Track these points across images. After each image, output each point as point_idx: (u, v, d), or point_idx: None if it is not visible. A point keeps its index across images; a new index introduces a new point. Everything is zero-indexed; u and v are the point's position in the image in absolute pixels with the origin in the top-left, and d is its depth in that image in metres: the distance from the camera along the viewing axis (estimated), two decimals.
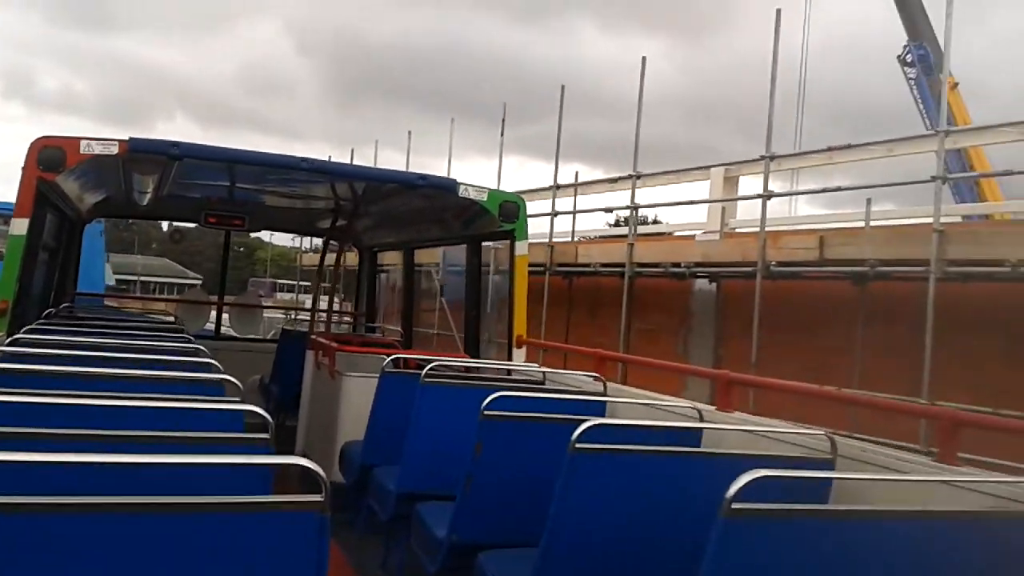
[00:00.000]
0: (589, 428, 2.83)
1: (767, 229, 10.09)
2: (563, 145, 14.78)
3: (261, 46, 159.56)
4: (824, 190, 11.19)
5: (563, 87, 14.52)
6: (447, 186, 5.97)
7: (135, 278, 46.53)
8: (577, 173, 14.93)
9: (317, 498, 2.00)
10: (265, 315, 16.29)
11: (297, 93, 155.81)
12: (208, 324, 10.77)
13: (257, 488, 2.23)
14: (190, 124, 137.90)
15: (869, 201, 9.20)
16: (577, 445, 2.80)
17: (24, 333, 4.74)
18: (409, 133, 19.65)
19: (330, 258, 10.00)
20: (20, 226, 5.53)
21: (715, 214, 12.60)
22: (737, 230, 12.53)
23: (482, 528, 3.51)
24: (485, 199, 6.04)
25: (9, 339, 4.63)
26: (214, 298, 11.45)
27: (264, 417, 2.73)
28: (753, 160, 11.71)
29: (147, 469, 2.12)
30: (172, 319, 7.91)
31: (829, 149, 11.08)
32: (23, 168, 5.47)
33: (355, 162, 19.28)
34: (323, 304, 9.60)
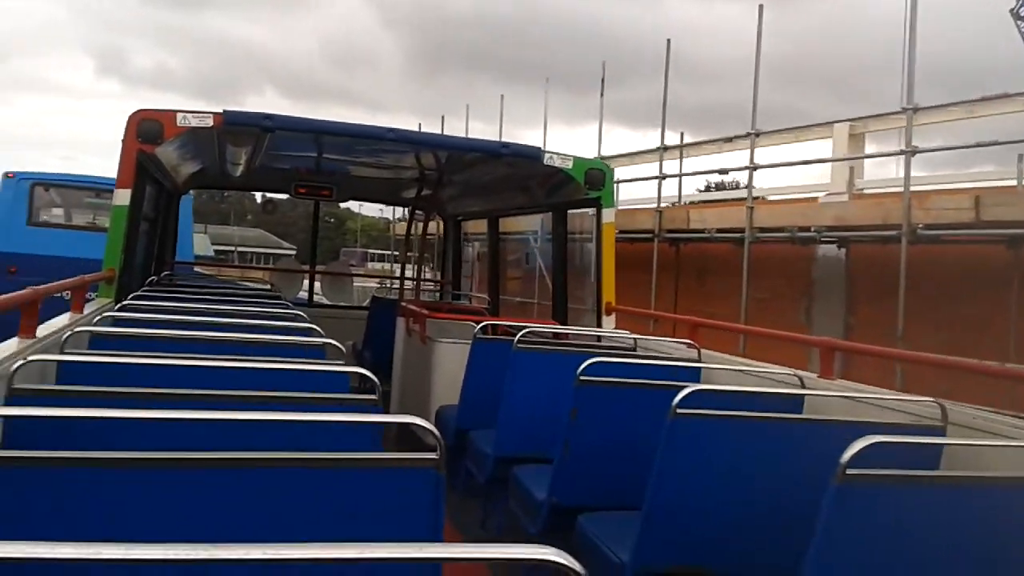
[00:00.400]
0: (690, 393, 2.84)
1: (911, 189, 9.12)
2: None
3: (344, 19, 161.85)
4: (979, 144, 9.88)
5: (668, 41, 13.57)
6: (531, 154, 5.96)
7: (232, 248, 48.33)
8: (683, 134, 14.08)
9: (432, 455, 2.03)
10: (356, 283, 16.66)
11: (381, 65, 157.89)
12: (301, 293, 11.13)
13: (367, 447, 2.29)
14: (279, 98, 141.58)
15: (1021, 157, 8.51)
16: (678, 410, 2.81)
17: (131, 300, 4.96)
18: (502, 97, 19.48)
19: (417, 228, 10.15)
20: (123, 196, 5.77)
21: (840, 175, 11.66)
22: (866, 191, 11.64)
23: (580, 491, 3.57)
24: (570, 167, 6.00)
25: (118, 305, 4.86)
26: (306, 267, 11.79)
27: (371, 379, 2.81)
28: (890, 113, 10.85)
29: (262, 426, 2.20)
30: (269, 286, 8.19)
31: (982, 99, 10.11)
32: (123, 140, 5.67)
33: (445, 132, 19.38)
34: (410, 272, 9.76)
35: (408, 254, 12.12)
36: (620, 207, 14.99)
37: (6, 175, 13.52)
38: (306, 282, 11.34)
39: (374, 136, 5.90)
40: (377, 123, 6.26)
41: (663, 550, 2.92)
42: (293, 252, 51.63)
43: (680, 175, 13.97)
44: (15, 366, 2.73)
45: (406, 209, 11.70)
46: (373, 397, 2.73)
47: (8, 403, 2.59)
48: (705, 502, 2.94)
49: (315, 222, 11.84)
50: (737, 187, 17.13)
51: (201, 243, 30.59)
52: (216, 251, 35.13)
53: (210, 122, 5.53)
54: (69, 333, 3.70)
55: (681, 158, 13.90)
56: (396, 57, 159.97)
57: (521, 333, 4.47)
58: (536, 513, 3.71)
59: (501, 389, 4.40)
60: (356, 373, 2.96)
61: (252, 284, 9.12)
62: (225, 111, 5.55)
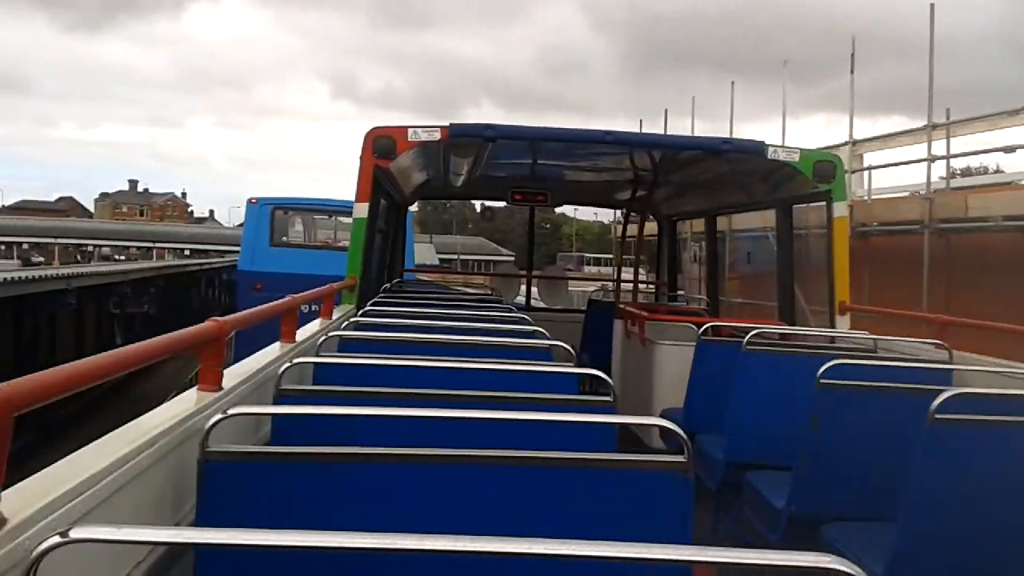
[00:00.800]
0: (949, 398, 2.66)
1: None
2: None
3: (557, 28, 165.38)
4: None
5: (932, 7, 12.15)
6: (754, 149, 5.80)
7: (455, 256, 50.92)
8: (948, 110, 12.36)
9: (680, 459, 2.05)
10: (571, 287, 16.93)
11: (593, 70, 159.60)
12: (518, 297, 11.51)
13: (599, 447, 2.35)
14: (495, 109, 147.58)
15: None
16: (937, 416, 2.65)
17: (371, 306, 5.33)
18: (692, 100, 19.13)
19: (632, 230, 10.17)
20: (361, 210, 6.20)
21: None
22: None
23: (823, 500, 3.44)
24: (796, 160, 5.77)
25: (360, 312, 5.24)
26: (522, 272, 12.17)
27: (606, 381, 2.86)
28: None
29: (500, 424, 2.32)
30: (490, 291, 8.52)
31: None
32: (361, 157, 6.08)
33: (665, 131, 19.25)
34: (627, 275, 9.80)
35: (624, 257, 12.16)
36: (874, 195, 13.72)
37: (250, 201, 15.28)
38: (523, 287, 11.66)
39: (592, 140, 6.01)
40: (592, 127, 6.34)
41: (923, 565, 2.76)
42: (512, 258, 53.35)
43: (948, 156, 12.27)
44: (282, 368, 3.02)
45: (621, 211, 11.76)
46: (608, 399, 2.77)
47: (277, 402, 2.87)
48: (967, 513, 2.75)
49: (531, 228, 12.22)
50: (999, 171, 15.21)
51: (427, 252, 32.55)
52: (440, 259, 37.18)
53: (438, 135, 5.81)
54: (324, 338, 4.03)
55: (948, 137, 12.24)
56: (609, 60, 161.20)
57: (751, 334, 4.37)
58: (775, 521, 3.62)
59: (729, 392, 4.32)
60: (588, 375, 3.04)
61: (474, 290, 9.56)
62: (451, 124, 5.84)
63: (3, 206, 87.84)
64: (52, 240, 62.56)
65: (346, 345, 4.05)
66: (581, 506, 2.04)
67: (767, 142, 5.83)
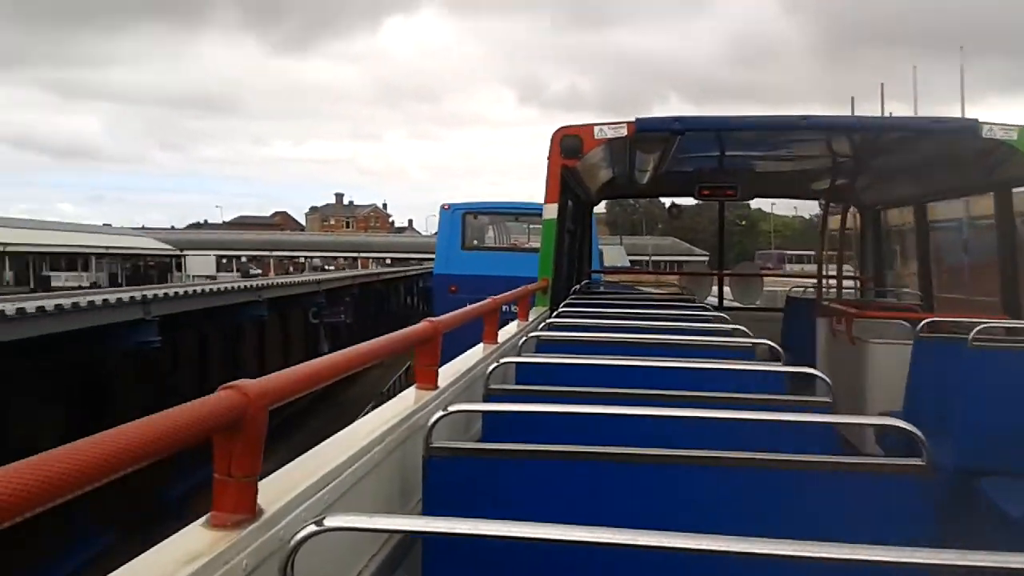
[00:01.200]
0: None
1: None
2: None
3: (744, 16, 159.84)
4: None
5: None
6: (967, 127, 5.42)
7: (646, 258, 50.42)
8: None
9: (918, 461, 2.03)
10: (768, 286, 16.41)
11: (785, 55, 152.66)
12: (710, 298, 11.30)
13: (822, 448, 2.32)
14: (683, 104, 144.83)
15: None
16: None
17: (564, 307, 5.41)
18: (914, 68, 17.74)
19: (833, 222, 9.72)
20: (551, 211, 6.30)
21: None
22: None
23: None
24: (1015, 138, 5.32)
25: (554, 312, 5.33)
26: (713, 271, 11.89)
27: (824, 380, 2.83)
28: None
29: (707, 424, 2.34)
30: (680, 291, 8.44)
31: None
32: (548, 157, 6.17)
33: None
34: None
35: (827, 252, 11.64)
36: None
37: (443, 207, 15.99)
38: (715, 287, 11.47)
39: (786, 127, 5.81)
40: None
41: None
42: (705, 258, 52.12)
43: None
44: (491, 368, 3.21)
45: (819, 202, 11.28)
46: (826, 400, 2.72)
47: (486, 401, 3.05)
48: None
49: (721, 223, 11.92)
50: None
51: (617, 254, 32.46)
52: (632, 261, 36.99)
53: (624, 131, 5.80)
54: (524, 338, 4.18)
55: None
56: (801, 44, 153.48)
57: (976, 330, 4.12)
58: (1017, 531, 3.44)
59: (955, 393, 4.11)
60: (798, 373, 3.01)
61: (664, 290, 9.49)
62: (637, 119, 5.81)
63: (223, 222, 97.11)
64: (267, 253, 68.24)
65: (544, 345, 4.17)
66: (811, 509, 1.99)
67: (980, 120, 5.42)
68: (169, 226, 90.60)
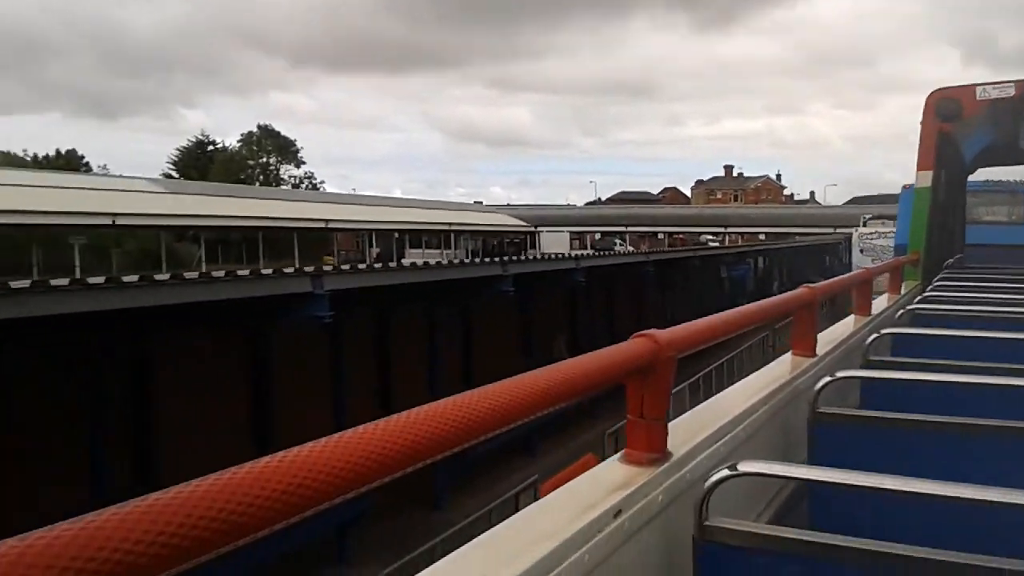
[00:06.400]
0: None
1: None
2: None
3: None
4: None
5: None
6: None
7: None
8: None
9: None
10: None
11: None
12: None
13: None
14: None
15: None
16: None
17: (938, 281, 5.54)
18: None
19: None
20: (924, 179, 6.45)
21: None
22: None
23: None
24: None
25: (930, 286, 5.46)
26: None
27: None
28: None
29: None
30: None
31: None
32: (921, 122, 6.32)
33: None
34: None
35: None
36: None
37: (904, 187, 16.23)
38: None
39: None
40: None
41: None
42: None
43: None
44: (870, 339, 3.53)
45: None
46: None
47: (864, 369, 3.39)
48: None
49: None
50: None
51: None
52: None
53: (1012, 91, 5.91)
54: (901, 312, 4.45)
55: None
56: None
57: None
58: None
59: None
60: None
61: None
62: None
63: (598, 199, 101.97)
64: (621, 229, 70.36)
65: (922, 319, 4.38)
66: None
67: None
68: (583, 203, 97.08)
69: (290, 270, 13.58)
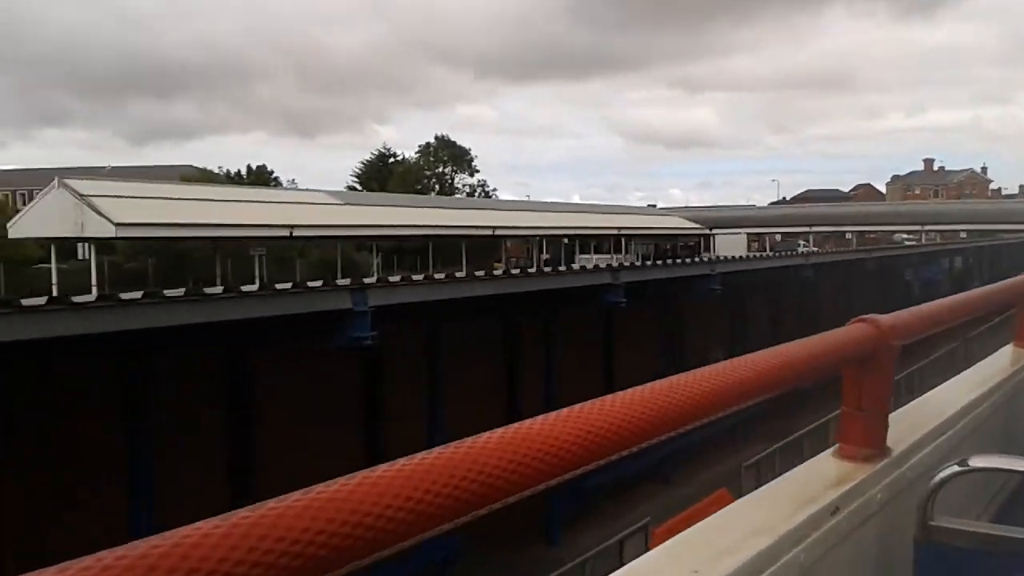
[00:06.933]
0: None
1: None
2: None
3: None
4: None
5: None
6: None
7: None
8: None
9: None
10: None
11: None
12: None
13: None
14: None
15: None
16: None
17: None
18: None
19: None
20: None
21: None
22: None
23: None
24: None
25: None
26: None
27: None
28: None
29: None
30: None
31: None
32: None
33: None
34: None
35: None
36: None
37: None
38: None
39: None
40: None
41: None
42: None
43: None
44: None
45: None
46: None
47: None
48: None
49: None
50: None
51: None
52: None
53: None
54: None
55: None
56: None
57: None
58: None
59: None
60: None
61: None
62: None
63: (783, 198, 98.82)
64: (805, 229, 67.81)
65: None
66: None
67: None
68: (767, 203, 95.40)
69: (344, 281, 13.21)
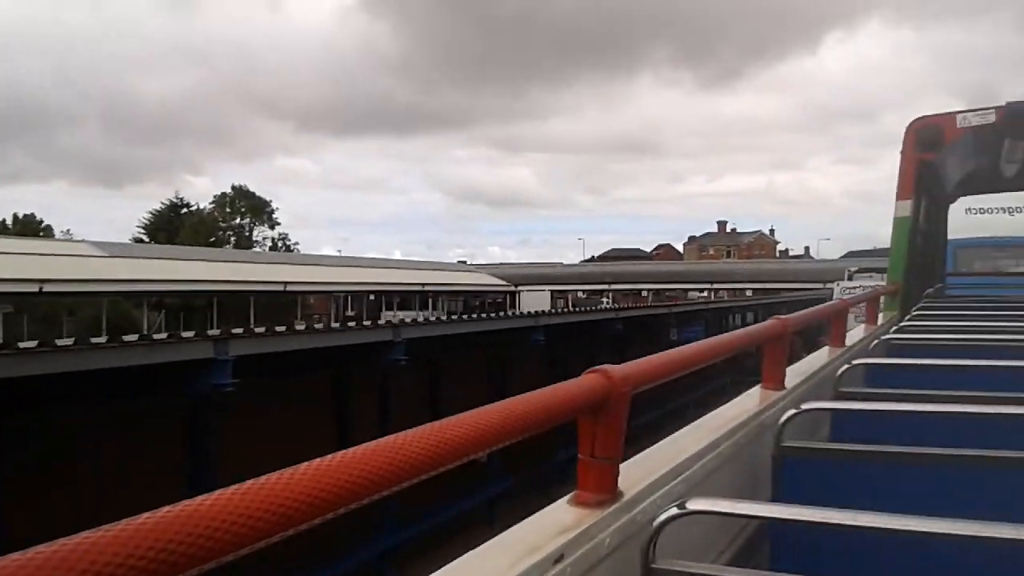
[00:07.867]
0: None
1: None
2: None
3: None
4: None
5: None
6: None
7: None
8: None
9: None
10: None
11: None
12: None
13: None
14: None
15: None
16: None
17: (916, 311, 5.54)
18: None
19: None
20: (903, 208, 6.49)
21: None
22: None
23: None
24: None
25: (906, 316, 5.47)
26: None
27: None
28: None
29: None
30: None
31: None
32: (902, 151, 6.36)
33: None
34: None
35: None
36: None
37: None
38: None
39: None
40: None
41: None
42: None
43: None
44: (841, 370, 3.51)
45: None
46: None
47: (835, 401, 3.34)
48: None
49: None
50: None
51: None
52: None
53: (992, 117, 5.90)
54: (876, 342, 4.43)
55: None
56: None
57: None
58: None
59: None
60: None
61: None
62: (1008, 103, 5.83)
63: (589, 257, 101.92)
64: (604, 287, 69.93)
65: (896, 350, 4.37)
66: None
67: None
68: (577, 261, 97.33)
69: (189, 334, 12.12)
